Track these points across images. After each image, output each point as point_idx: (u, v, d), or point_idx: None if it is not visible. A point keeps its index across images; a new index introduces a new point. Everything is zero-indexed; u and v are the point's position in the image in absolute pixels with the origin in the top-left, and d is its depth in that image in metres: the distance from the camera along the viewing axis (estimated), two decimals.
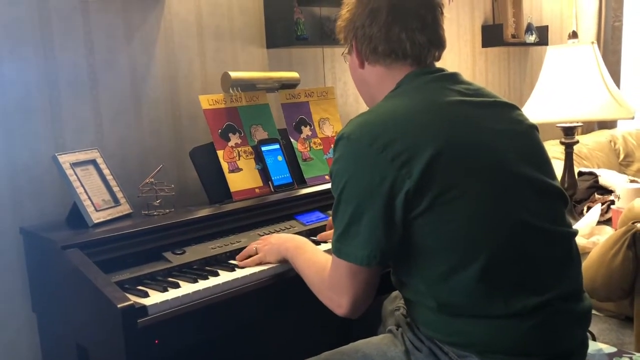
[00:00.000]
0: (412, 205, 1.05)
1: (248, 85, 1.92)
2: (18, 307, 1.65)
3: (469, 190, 1.05)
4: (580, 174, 3.02)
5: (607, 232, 2.46)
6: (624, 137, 3.77)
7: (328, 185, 1.94)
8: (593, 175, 2.98)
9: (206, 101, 1.82)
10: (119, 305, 1.20)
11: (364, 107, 2.52)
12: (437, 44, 1.21)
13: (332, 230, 1.66)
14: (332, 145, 2.08)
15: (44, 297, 1.59)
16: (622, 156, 3.66)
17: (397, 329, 1.26)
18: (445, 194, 1.04)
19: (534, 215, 1.10)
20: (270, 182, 1.87)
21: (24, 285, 1.65)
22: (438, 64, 1.26)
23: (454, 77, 1.20)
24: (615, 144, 3.69)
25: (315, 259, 1.30)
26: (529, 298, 1.07)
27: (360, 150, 1.07)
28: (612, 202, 2.69)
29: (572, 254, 1.16)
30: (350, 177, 1.08)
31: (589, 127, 3.87)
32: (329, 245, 1.61)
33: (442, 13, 1.21)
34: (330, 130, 2.13)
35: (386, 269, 1.18)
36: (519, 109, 1.22)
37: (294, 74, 2.08)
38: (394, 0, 1.17)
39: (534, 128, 1.21)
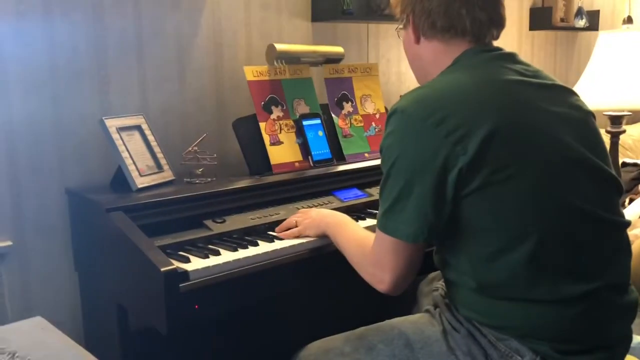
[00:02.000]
0: (464, 182, 1.03)
1: (293, 59, 1.91)
2: (61, 265, 1.70)
3: (523, 171, 1.03)
4: (624, 164, 2.93)
5: None
6: None
7: (367, 163, 1.95)
8: (637, 166, 2.89)
9: (251, 72, 1.81)
10: (162, 269, 1.22)
11: (406, 86, 2.51)
12: (498, 22, 1.18)
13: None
14: (373, 123, 2.08)
15: (86, 257, 1.62)
16: None
17: (435, 309, 1.25)
18: (498, 173, 1.02)
19: (588, 201, 1.07)
20: (309, 157, 1.86)
21: (67, 244, 1.69)
22: None
23: (513, 57, 1.17)
24: None
25: (357, 235, 1.29)
26: (575, 285, 1.05)
27: (414, 124, 1.06)
28: None
29: (622, 245, 1.13)
30: (402, 151, 1.06)
31: (635, 117, 3.75)
32: (368, 222, 1.61)
33: None
34: (371, 107, 2.11)
35: (428, 248, 1.17)
36: (577, 95, 1.19)
37: (339, 49, 2.06)
38: None
39: (591, 115, 1.17)
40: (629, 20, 2.61)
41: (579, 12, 3.20)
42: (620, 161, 2.84)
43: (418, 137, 1.05)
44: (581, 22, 3.20)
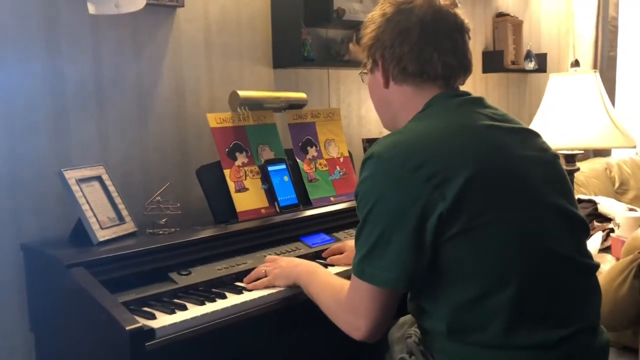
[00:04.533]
0: (444, 228, 1.02)
1: (256, 105, 1.91)
2: (14, 326, 1.60)
3: (502, 216, 1.04)
4: (580, 201, 3.02)
5: (609, 260, 2.45)
6: (619, 165, 3.79)
7: (333, 207, 1.94)
8: (592, 202, 2.98)
9: (214, 120, 1.80)
10: (127, 328, 1.16)
11: (367, 129, 2.53)
12: (467, 67, 1.20)
13: (340, 255, 1.65)
14: (338, 166, 2.08)
15: (44, 317, 1.54)
16: (617, 184, 3.68)
17: (410, 357, 1.23)
18: (477, 219, 1.02)
19: (563, 245, 1.09)
20: (276, 203, 1.84)
21: (21, 304, 1.60)
22: None
23: (481, 102, 1.19)
24: (610, 171, 3.71)
25: (330, 283, 1.27)
26: (553, 330, 1.04)
27: (391, 170, 1.05)
28: (612, 230, 2.69)
29: (594, 287, 1.14)
30: (379, 197, 1.05)
31: (585, 154, 3.90)
32: (338, 269, 1.59)
33: (470, 38, 1.21)
34: (335, 151, 2.11)
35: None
36: (542, 137, 1.21)
37: (302, 95, 2.07)
38: (426, 20, 1.15)
39: (557, 157, 1.20)
40: (576, 63, 2.74)
41: (528, 55, 3.35)
42: (575, 198, 2.92)
43: (396, 183, 1.04)
44: (531, 65, 3.34)
